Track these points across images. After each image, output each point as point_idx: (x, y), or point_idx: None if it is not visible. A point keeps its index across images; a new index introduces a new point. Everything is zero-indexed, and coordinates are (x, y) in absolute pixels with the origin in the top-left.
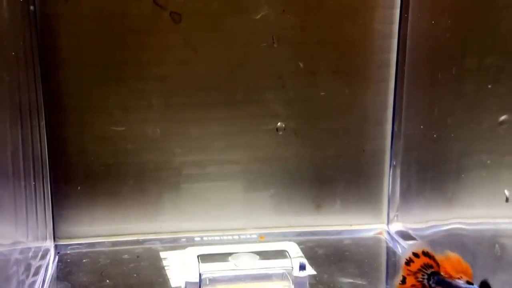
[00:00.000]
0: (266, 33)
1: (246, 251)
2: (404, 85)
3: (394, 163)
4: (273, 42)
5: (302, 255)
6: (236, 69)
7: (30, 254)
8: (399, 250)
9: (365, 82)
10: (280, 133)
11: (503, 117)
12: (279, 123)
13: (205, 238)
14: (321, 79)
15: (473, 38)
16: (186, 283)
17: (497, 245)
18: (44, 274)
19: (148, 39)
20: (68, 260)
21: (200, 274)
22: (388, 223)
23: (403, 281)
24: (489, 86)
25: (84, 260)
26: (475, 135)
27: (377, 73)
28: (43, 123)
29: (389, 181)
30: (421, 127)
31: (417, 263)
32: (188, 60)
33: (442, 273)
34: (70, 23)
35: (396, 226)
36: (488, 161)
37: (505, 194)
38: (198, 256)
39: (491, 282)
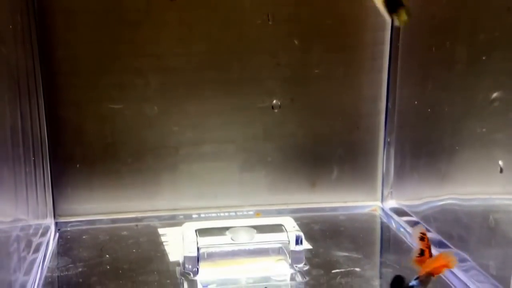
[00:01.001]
0: (261, 10)
1: (243, 225)
2: (398, 62)
3: (388, 140)
4: (268, 20)
5: (299, 229)
6: (232, 46)
7: (31, 231)
8: (393, 225)
9: (360, 60)
10: (276, 110)
11: (495, 94)
12: (274, 101)
13: (202, 215)
14: (316, 57)
15: (467, 13)
16: (185, 257)
17: (491, 216)
18: (45, 250)
19: (144, 17)
20: (68, 237)
21: (198, 248)
22: (382, 200)
23: (422, 253)
24: (484, 58)
25: (84, 237)
26: (468, 111)
27: (371, 50)
28: (41, 101)
29: (383, 158)
30: (415, 102)
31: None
32: (184, 38)
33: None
34: (66, 2)
35: (390, 203)
36: (481, 138)
37: (499, 165)
38: (196, 231)
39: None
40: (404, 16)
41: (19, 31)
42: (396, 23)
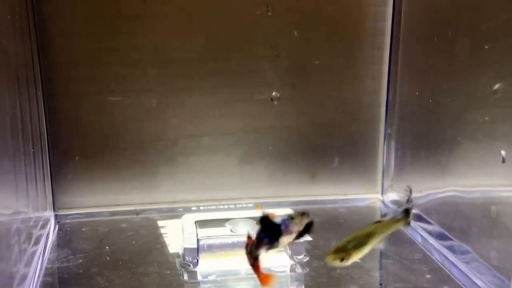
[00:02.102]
0: (261, 1)
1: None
2: (399, 52)
3: (389, 131)
4: (268, 10)
5: None
6: (231, 38)
7: (31, 223)
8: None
9: (360, 51)
10: (275, 102)
11: (497, 85)
12: (273, 93)
13: (201, 208)
14: (316, 48)
15: (469, 3)
16: (185, 249)
17: (492, 207)
18: (45, 242)
19: (143, 8)
20: (68, 229)
21: (198, 240)
22: (382, 192)
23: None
24: (486, 48)
25: (83, 229)
26: (470, 102)
27: (372, 41)
28: (40, 92)
29: (384, 150)
30: (416, 93)
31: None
32: (183, 29)
33: None
34: None
35: (391, 196)
36: (483, 129)
37: (501, 155)
38: (195, 222)
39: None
40: None
41: (17, 22)
42: None
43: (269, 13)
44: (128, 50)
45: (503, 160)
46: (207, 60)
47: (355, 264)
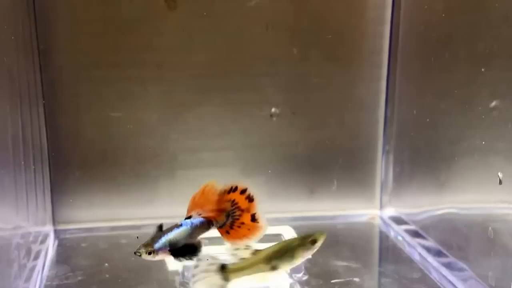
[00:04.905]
0: (260, 19)
1: None
2: (397, 70)
3: (387, 148)
4: (267, 28)
5: None
6: (231, 55)
7: (31, 238)
8: (391, 234)
9: (358, 68)
10: (274, 119)
11: (494, 103)
12: (273, 109)
13: None
14: (315, 65)
15: (466, 23)
16: (184, 266)
17: (490, 228)
18: (45, 258)
19: (144, 25)
20: (68, 245)
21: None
22: (381, 208)
23: None
24: (483, 70)
25: (83, 245)
26: (468, 121)
27: (370, 59)
28: (41, 109)
29: (382, 167)
30: (414, 112)
31: None
32: (183, 46)
33: None
34: (67, 10)
35: (389, 211)
36: (480, 147)
37: (498, 176)
38: None
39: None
40: None
41: (20, 41)
42: None
43: (269, 31)
44: (129, 67)
45: (500, 182)
46: (207, 76)
47: (353, 283)
